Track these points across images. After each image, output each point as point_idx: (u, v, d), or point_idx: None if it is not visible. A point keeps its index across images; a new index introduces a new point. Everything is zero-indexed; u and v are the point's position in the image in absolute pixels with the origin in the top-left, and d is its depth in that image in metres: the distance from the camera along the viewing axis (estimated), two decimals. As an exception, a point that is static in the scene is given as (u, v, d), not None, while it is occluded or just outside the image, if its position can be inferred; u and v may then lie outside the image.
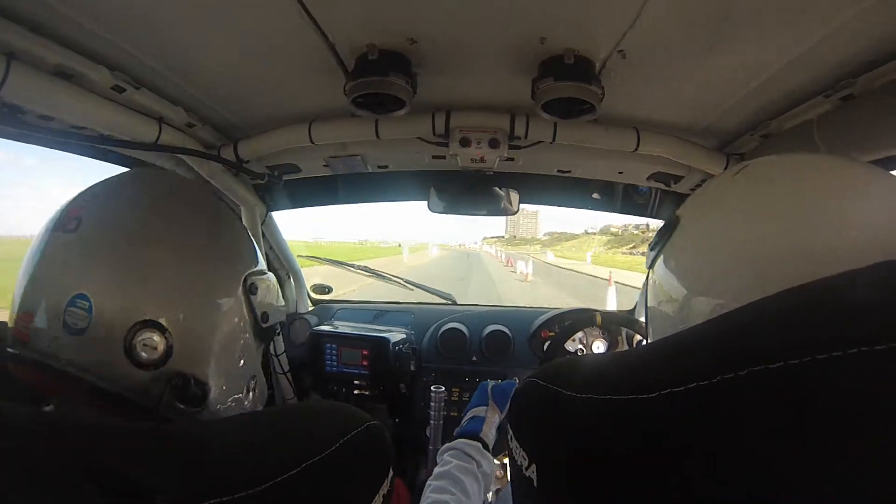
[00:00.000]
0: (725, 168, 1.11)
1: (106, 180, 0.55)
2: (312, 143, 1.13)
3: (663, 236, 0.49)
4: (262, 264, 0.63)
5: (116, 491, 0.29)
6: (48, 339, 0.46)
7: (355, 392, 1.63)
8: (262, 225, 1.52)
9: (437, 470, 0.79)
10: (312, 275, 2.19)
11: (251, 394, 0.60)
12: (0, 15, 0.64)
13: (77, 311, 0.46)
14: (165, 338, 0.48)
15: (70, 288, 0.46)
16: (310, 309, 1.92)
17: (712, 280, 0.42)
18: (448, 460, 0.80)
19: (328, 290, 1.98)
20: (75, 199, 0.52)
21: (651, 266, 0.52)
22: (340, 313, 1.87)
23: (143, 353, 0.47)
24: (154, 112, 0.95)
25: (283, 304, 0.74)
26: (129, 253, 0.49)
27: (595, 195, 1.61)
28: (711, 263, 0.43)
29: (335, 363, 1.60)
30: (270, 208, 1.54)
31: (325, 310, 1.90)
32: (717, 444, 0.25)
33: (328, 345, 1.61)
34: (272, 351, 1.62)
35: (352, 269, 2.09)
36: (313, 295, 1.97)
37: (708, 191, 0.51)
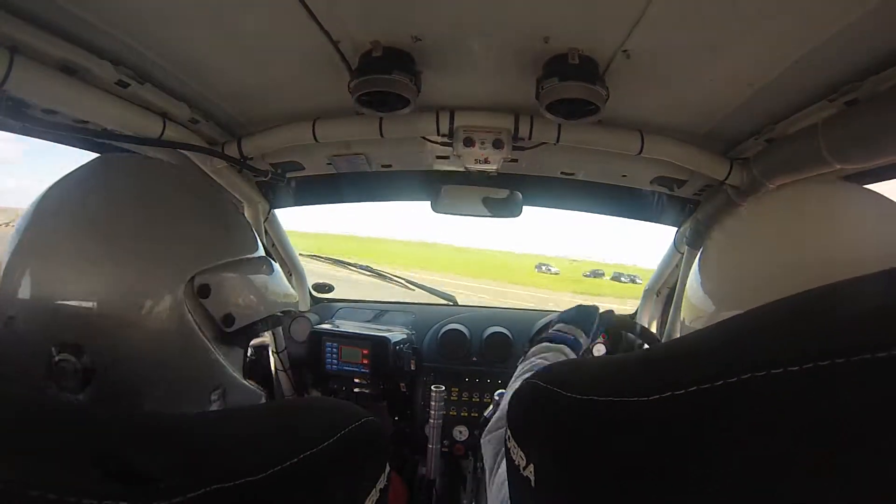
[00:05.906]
0: (729, 172, 1.09)
1: None
2: (316, 140, 1.13)
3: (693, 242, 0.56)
4: (231, 256, 0.54)
5: (120, 476, 0.29)
6: None
7: (355, 390, 1.63)
8: (265, 222, 1.52)
9: (533, 358, 0.81)
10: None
11: (214, 405, 0.55)
12: (2, 9, 0.64)
13: None
14: (83, 362, 0.42)
15: None
16: (311, 307, 1.92)
17: (740, 297, 0.49)
18: (546, 355, 0.83)
19: (329, 288, 1.99)
20: None
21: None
22: (341, 312, 1.87)
23: (63, 379, 0.41)
24: (158, 108, 0.95)
25: (272, 296, 0.63)
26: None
27: (599, 198, 1.60)
28: (738, 282, 0.50)
29: (336, 361, 1.61)
30: (274, 205, 1.55)
31: (325, 308, 1.90)
32: (717, 448, 0.25)
33: (329, 343, 1.61)
34: (273, 348, 1.63)
35: (352, 268, 2.10)
36: (314, 293, 1.97)
37: (736, 218, 0.60)
